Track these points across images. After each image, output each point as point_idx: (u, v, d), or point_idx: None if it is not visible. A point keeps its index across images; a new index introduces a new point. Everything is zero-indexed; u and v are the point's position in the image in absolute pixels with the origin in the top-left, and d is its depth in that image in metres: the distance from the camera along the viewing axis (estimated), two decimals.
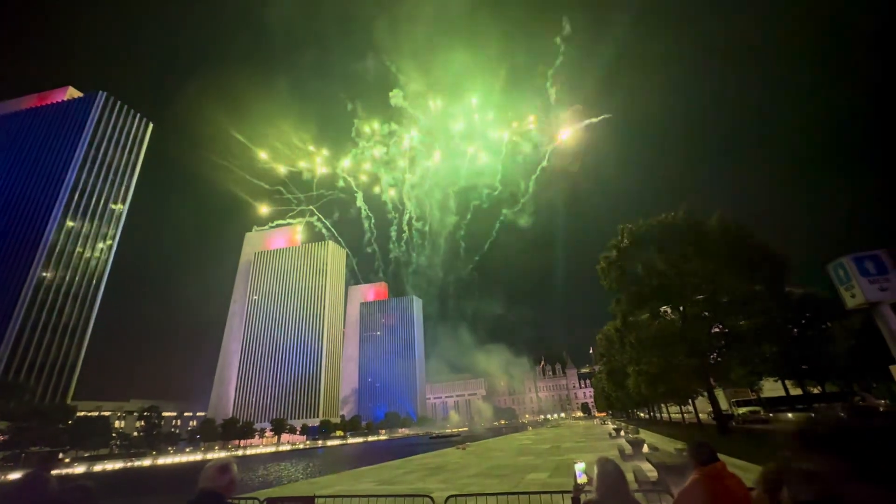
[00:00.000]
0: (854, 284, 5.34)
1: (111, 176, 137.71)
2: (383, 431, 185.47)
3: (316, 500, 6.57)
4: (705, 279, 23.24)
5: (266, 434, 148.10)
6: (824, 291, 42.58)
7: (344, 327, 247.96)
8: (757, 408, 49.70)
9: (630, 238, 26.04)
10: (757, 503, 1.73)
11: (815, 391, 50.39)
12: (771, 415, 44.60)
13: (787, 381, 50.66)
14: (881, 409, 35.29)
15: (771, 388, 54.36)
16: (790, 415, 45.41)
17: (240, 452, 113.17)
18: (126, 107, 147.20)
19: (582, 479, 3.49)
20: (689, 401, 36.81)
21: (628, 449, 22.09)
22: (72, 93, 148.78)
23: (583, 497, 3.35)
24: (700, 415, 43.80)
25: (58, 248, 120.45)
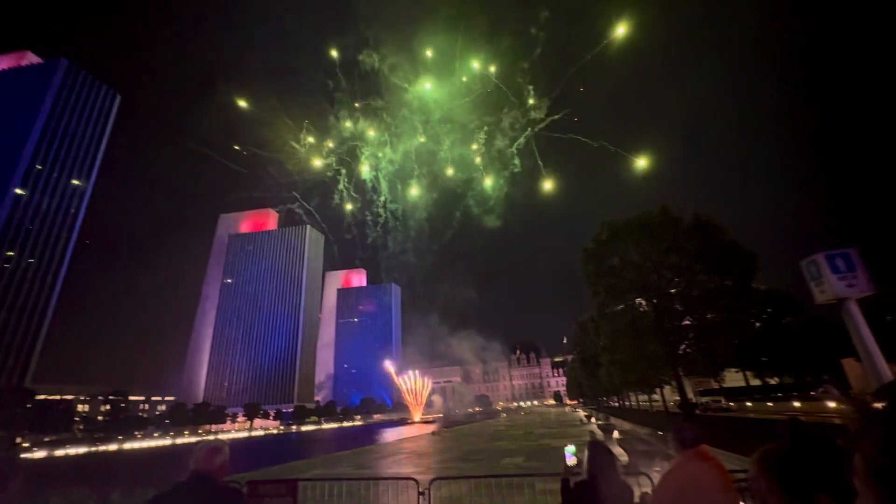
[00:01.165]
0: (824, 281, 5.64)
1: (74, 149, 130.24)
2: (358, 417, 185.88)
3: (298, 483, 6.54)
4: (679, 273, 24.10)
5: (238, 419, 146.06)
6: (786, 287, 44.78)
7: (320, 313, 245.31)
8: (719, 397, 52.33)
9: (609, 232, 26.69)
10: (752, 482, 1.81)
11: (773, 382, 53.27)
12: (732, 404, 47.04)
13: (747, 372, 53.31)
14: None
15: (732, 378, 57.17)
16: (749, 403, 48.09)
17: (211, 437, 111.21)
18: (91, 77, 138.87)
19: (571, 462, 3.58)
20: (657, 390, 38.30)
21: (599, 434, 22.95)
22: (30, 58, 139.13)
23: (572, 479, 3.44)
24: (667, 403, 45.65)
25: (15, 223, 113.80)
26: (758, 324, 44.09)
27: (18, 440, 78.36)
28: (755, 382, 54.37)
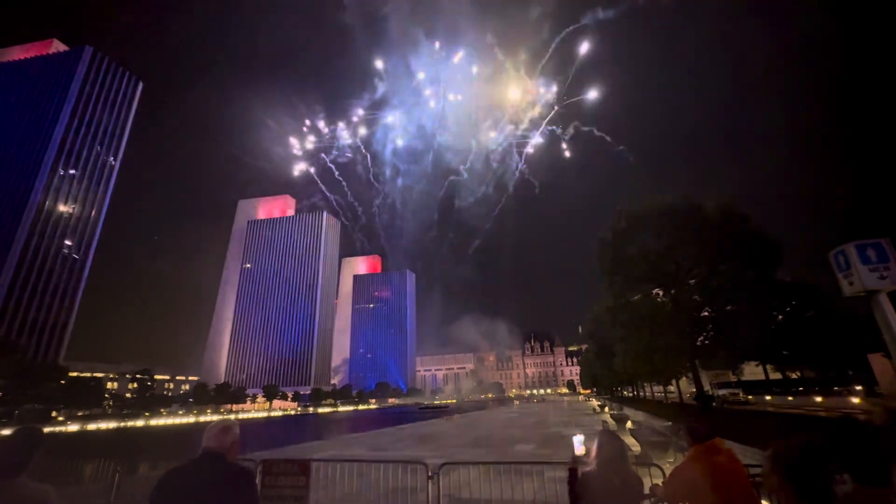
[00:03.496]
0: (853, 272, 5.35)
1: (100, 135, 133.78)
2: (373, 401, 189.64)
3: (311, 463, 6.66)
4: (699, 263, 23.45)
5: (258, 399, 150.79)
6: (811, 279, 43.24)
7: (336, 298, 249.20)
8: (736, 390, 51.47)
9: (627, 220, 26.02)
10: (765, 479, 1.76)
11: (794, 376, 52.01)
12: (750, 397, 46.19)
13: (767, 366, 52.15)
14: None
15: (751, 371, 56.00)
16: (768, 397, 47.14)
17: (232, 416, 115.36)
18: (114, 64, 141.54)
19: (580, 451, 3.53)
20: (673, 381, 37.82)
21: (612, 424, 22.84)
22: (57, 46, 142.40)
23: (580, 468, 3.40)
24: (682, 395, 45.12)
25: (46, 208, 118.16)
26: (780, 316, 42.89)
27: (54, 414, 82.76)
28: (775, 376, 53.16)
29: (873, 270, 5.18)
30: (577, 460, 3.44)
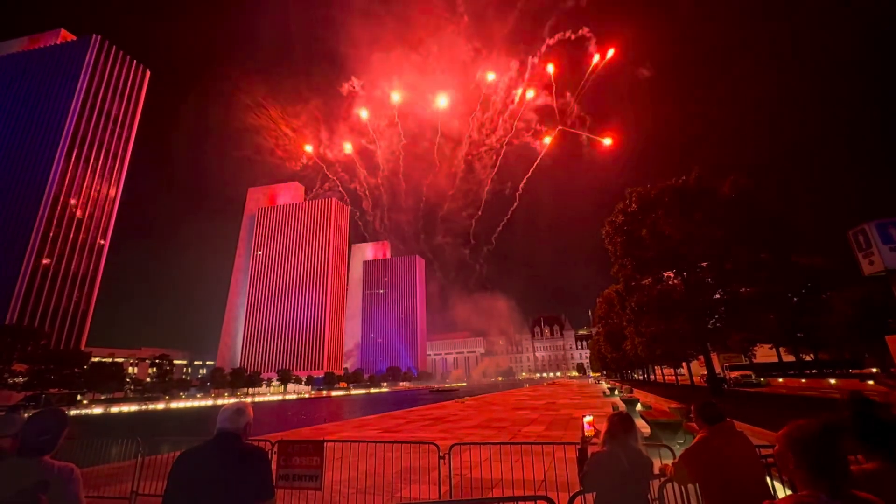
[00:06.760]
0: (874, 251, 5.22)
1: (110, 125, 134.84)
2: (385, 384, 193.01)
3: (325, 444, 6.80)
4: (712, 246, 23.04)
5: (273, 383, 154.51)
6: (826, 261, 42.31)
7: (347, 284, 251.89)
8: (749, 373, 51.11)
9: (638, 202, 25.60)
10: (778, 459, 1.74)
11: (808, 359, 51.49)
12: (762, 379, 45.90)
13: (780, 348, 51.63)
14: None
15: (764, 354, 55.47)
16: (780, 380, 46.83)
17: (248, 400, 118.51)
18: (122, 52, 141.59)
19: (589, 432, 3.54)
20: (684, 363, 37.71)
21: (622, 407, 22.96)
22: (65, 36, 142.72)
23: (589, 449, 3.42)
24: (693, 377, 45.04)
25: (62, 197, 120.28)
26: (795, 298, 42.27)
27: (79, 397, 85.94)
28: (788, 359, 52.69)
29: (894, 249, 5.02)
30: (586, 441, 3.45)
